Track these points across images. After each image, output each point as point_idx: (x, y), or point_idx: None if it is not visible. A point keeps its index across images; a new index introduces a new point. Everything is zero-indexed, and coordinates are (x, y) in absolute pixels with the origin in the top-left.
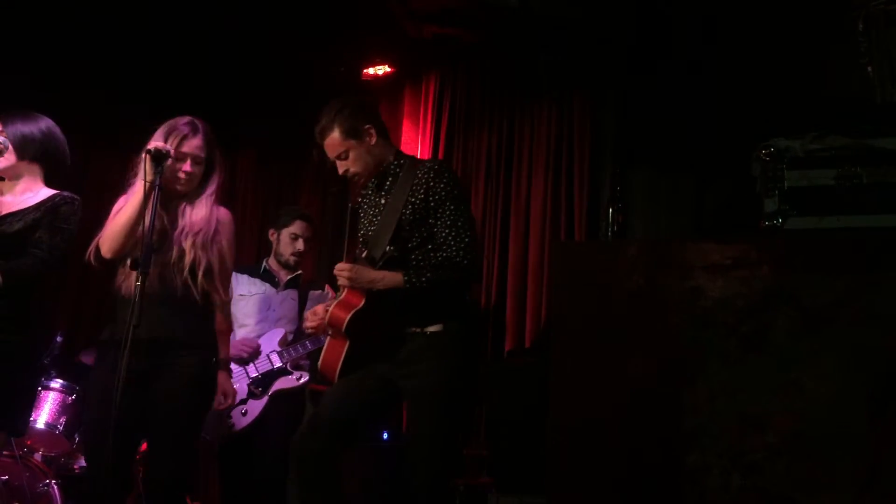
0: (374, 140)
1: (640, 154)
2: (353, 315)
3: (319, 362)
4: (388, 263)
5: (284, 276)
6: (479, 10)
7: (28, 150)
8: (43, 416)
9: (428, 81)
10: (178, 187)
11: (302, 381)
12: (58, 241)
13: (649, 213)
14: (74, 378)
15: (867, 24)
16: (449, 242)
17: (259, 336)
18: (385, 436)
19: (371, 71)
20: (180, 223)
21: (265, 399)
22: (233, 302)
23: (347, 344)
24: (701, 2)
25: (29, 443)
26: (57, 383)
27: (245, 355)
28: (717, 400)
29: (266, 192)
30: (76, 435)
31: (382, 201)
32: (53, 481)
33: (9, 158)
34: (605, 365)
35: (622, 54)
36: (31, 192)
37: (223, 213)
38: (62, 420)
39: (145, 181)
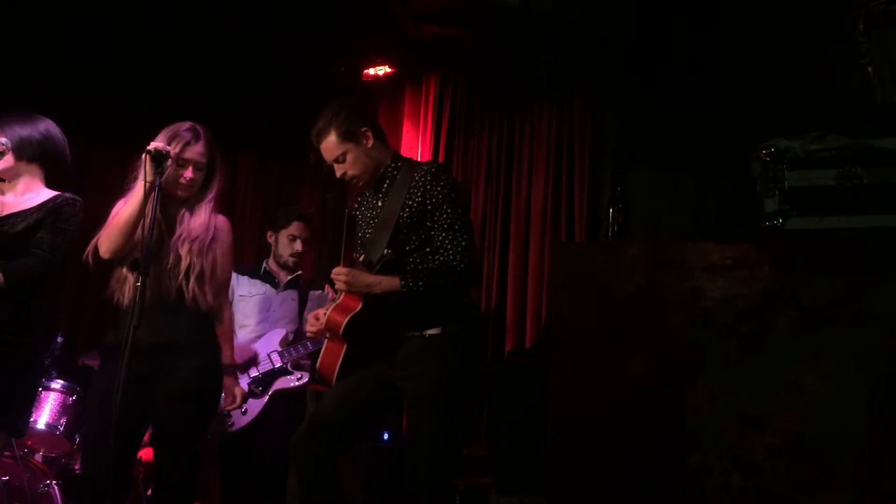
0: (370, 142)
1: (640, 154)
2: (350, 318)
3: (318, 364)
4: (385, 267)
5: (284, 277)
6: (480, 10)
7: (27, 152)
8: (43, 417)
9: (428, 82)
10: (179, 193)
11: (302, 381)
12: (59, 242)
13: (650, 214)
14: (75, 379)
15: (867, 24)
16: (446, 246)
17: (259, 336)
18: (385, 436)
19: (371, 71)
20: (178, 229)
21: (265, 398)
22: (233, 303)
23: (345, 347)
24: (701, 2)
25: (30, 443)
26: (57, 384)
27: (240, 362)
28: (718, 400)
29: (266, 193)
30: (77, 436)
31: (380, 203)
32: (54, 482)
33: (8, 160)
34: (605, 365)
35: (622, 54)
36: (33, 193)
37: (221, 221)
38: (63, 421)
39: (145, 181)
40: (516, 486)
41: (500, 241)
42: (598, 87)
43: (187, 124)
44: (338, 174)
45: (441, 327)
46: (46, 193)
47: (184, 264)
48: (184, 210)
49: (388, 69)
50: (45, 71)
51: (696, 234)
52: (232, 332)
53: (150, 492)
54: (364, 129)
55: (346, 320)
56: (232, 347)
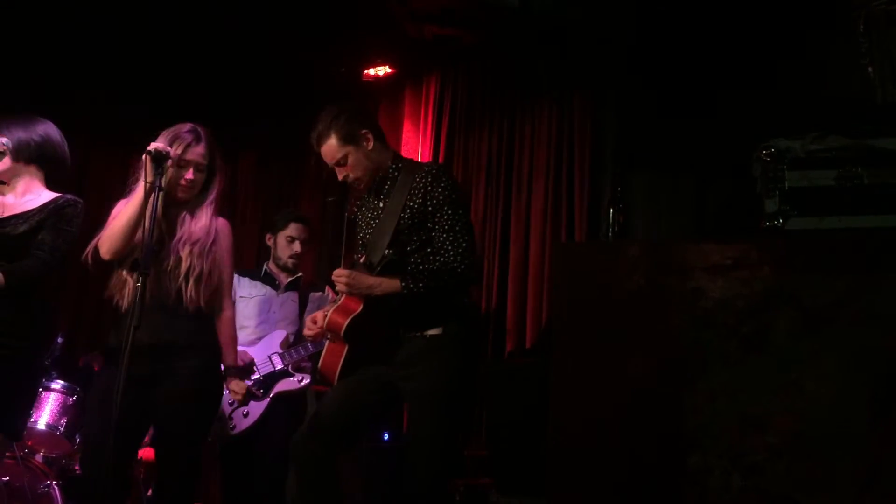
0: (371, 144)
1: (640, 155)
2: (351, 320)
3: (319, 365)
4: (386, 268)
5: (285, 279)
6: (480, 10)
7: (25, 154)
8: (44, 418)
9: (428, 82)
10: (180, 194)
11: (303, 383)
12: (60, 243)
13: (650, 214)
14: (75, 379)
15: (868, 24)
16: (447, 247)
17: (260, 338)
18: (385, 436)
19: (371, 72)
20: (179, 231)
21: (267, 401)
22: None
23: (347, 348)
24: (701, 2)
25: (30, 444)
26: (58, 384)
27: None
28: (718, 400)
29: (266, 194)
30: (77, 436)
31: (381, 205)
32: (54, 482)
33: (6, 161)
34: (605, 366)
35: (622, 54)
36: (33, 195)
37: (221, 224)
38: (63, 421)
39: (146, 182)
40: (516, 487)
41: (500, 241)
42: (599, 88)
43: (188, 126)
44: (339, 177)
45: (442, 327)
46: (47, 195)
47: (184, 266)
48: (185, 212)
49: (388, 69)
50: (46, 71)
51: (697, 234)
52: (235, 334)
53: (150, 492)
54: (364, 131)
55: (347, 322)
56: (236, 349)
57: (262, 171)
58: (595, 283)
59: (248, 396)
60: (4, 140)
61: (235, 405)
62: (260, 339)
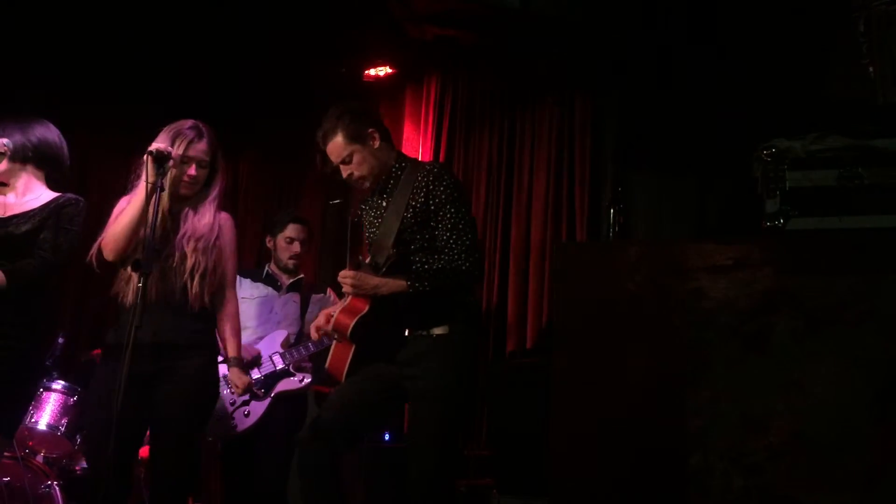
0: (377, 143)
1: (641, 155)
2: (357, 320)
3: (326, 365)
4: (391, 268)
5: (286, 280)
6: (480, 11)
7: (24, 154)
8: (45, 418)
9: (429, 82)
10: (183, 191)
11: (304, 383)
12: (62, 242)
13: (650, 214)
14: (76, 379)
15: (868, 24)
16: (451, 245)
17: (261, 338)
18: (386, 436)
19: (372, 72)
20: (183, 228)
21: (268, 400)
22: None
23: (353, 349)
24: (702, 2)
25: (31, 444)
26: (59, 384)
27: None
28: (720, 401)
29: (267, 195)
30: (78, 436)
31: (384, 204)
32: (55, 483)
33: (5, 163)
34: (606, 366)
35: (623, 55)
36: (35, 194)
37: (224, 218)
38: (64, 421)
39: (147, 183)
40: (518, 488)
41: (500, 241)
42: (599, 88)
43: (190, 122)
44: (344, 175)
45: (448, 326)
46: (48, 194)
47: (189, 263)
48: (188, 208)
49: (388, 70)
50: (46, 71)
51: (698, 234)
52: (239, 326)
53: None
54: (371, 130)
55: (353, 322)
56: (239, 341)
57: (263, 172)
58: (596, 284)
59: (248, 389)
60: (5, 141)
61: (237, 403)
62: (261, 339)
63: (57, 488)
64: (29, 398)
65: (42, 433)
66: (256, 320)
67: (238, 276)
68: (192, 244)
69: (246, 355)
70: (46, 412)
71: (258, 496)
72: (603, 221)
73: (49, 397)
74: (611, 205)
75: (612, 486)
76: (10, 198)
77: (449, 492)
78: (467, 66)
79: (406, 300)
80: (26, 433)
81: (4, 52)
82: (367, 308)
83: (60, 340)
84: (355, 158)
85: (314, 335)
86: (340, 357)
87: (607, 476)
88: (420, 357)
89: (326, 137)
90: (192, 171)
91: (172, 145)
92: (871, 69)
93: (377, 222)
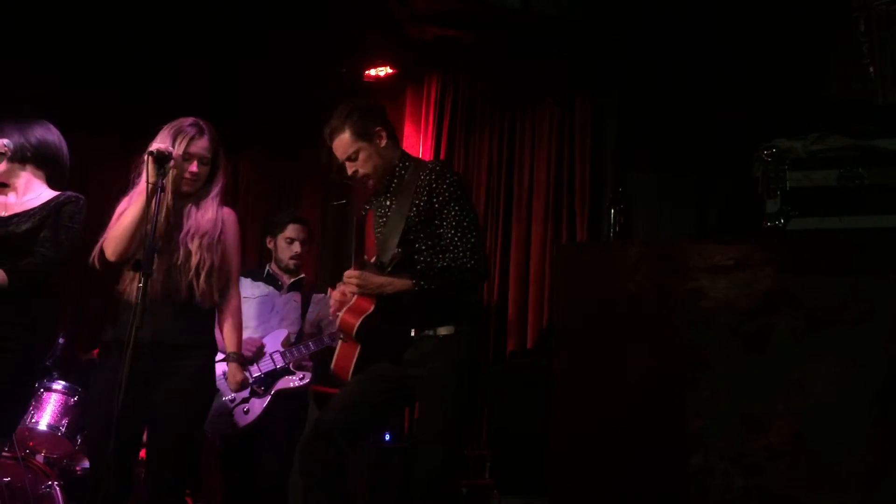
0: (384, 142)
1: (641, 155)
2: (363, 320)
3: (332, 365)
4: (396, 267)
5: (287, 280)
6: (481, 11)
7: (23, 155)
8: (45, 418)
9: (429, 83)
10: (185, 188)
11: (304, 381)
12: (63, 240)
13: (651, 214)
14: (76, 379)
15: (869, 24)
16: (455, 243)
17: (262, 337)
18: (387, 437)
19: (372, 72)
20: (186, 225)
21: (267, 398)
22: None
23: (359, 348)
24: (702, 2)
25: (31, 444)
26: (59, 385)
27: (249, 355)
28: (720, 401)
29: (267, 194)
30: (78, 436)
31: (388, 203)
32: (55, 483)
33: (5, 164)
34: (607, 366)
35: (623, 55)
36: (35, 194)
37: (227, 213)
38: (64, 422)
39: (148, 183)
40: (518, 488)
41: (501, 241)
42: (599, 88)
43: (190, 119)
44: (349, 172)
45: (454, 326)
46: (49, 193)
47: (194, 260)
48: (190, 205)
49: (389, 70)
50: (46, 71)
51: (698, 234)
52: (241, 321)
53: None
54: (379, 128)
55: (359, 321)
56: (240, 336)
57: (263, 172)
58: (596, 284)
59: (242, 387)
60: (5, 142)
61: (237, 400)
62: (262, 337)
63: (57, 488)
64: (28, 398)
65: (43, 433)
66: (257, 319)
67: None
68: (196, 241)
69: (250, 348)
70: (47, 412)
71: (258, 494)
72: (603, 221)
73: (49, 397)
74: (611, 205)
75: (612, 486)
76: (11, 197)
77: (452, 491)
78: (468, 66)
79: (411, 299)
80: (27, 433)
81: (4, 52)
82: (372, 308)
83: (61, 340)
84: (361, 156)
85: (335, 296)
86: (346, 357)
87: (607, 476)
88: (426, 357)
89: (334, 133)
90: (194, 167)
91: (174, 143)
92: (871, 69)
93: (382, 222)
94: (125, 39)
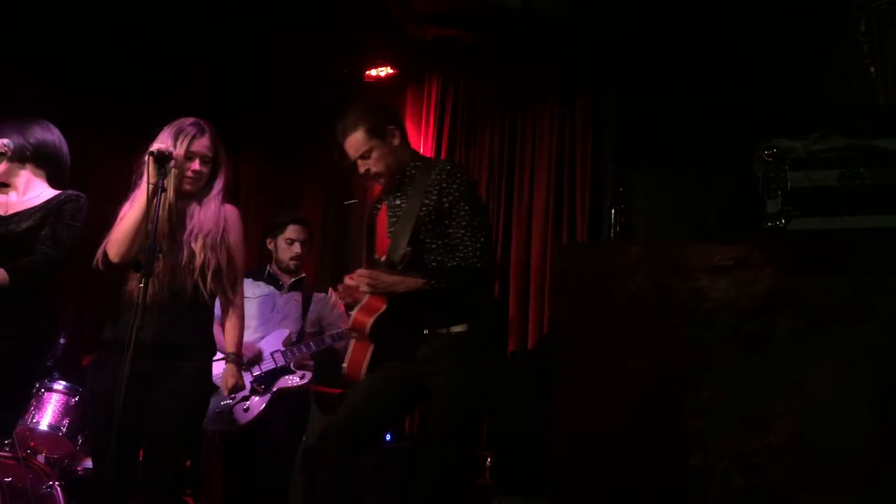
0: (397, 141)
1: (642, 155)
2: (375, 319)
3: (345, 365)
4: (407, 266)
5: (288, 280)
6: (481, 11)
7: (24, 155)
8: (46, 418)
9: (430, 83)
10: (187, 186)
11: (305, 380)
12: (64, 238)
13: (651, 215)
14: (77, 379)
15: (870, 23)
16: (465, 243)
17: (263, 337)
18: (388, 437)
19: (373, 73)
20: (189, 224)
21: (267, 396)
22: None
23: (372, 347)
24: (703, 3)
25: (32, 445)
26: (60, 385)
27: (244, 360)
28: (720, 401)
29: (268, 195)
30: (79, 437)
31: (399, 202)
32: (56, 483)
33: (6, 163)
34: (607, 367)
35: (624, 56)
36: (36, 193)
37: (230, 211)
38: (65, 422)
39: (148, 183)
40: (518, 488)
41: (502, 242)
42: (600, 88)
43: (190, 119)
44: (360, 170)
45: (466, 325)
46: (49, 192)
47: (198, 261)
48: (193, 204)
49: (389, 70)
50: (46, 71)
51: (699, 234)
52: (243, 319)
53: None
54: (392, 127)
55: (371, 320)
56: (241, 336)
57: (264, 172)
58: (596, 284)
59: (235, 390)
60: (6, 141)
61: (237, 398)
62: (262, 337)
63: (58, 489)
64: (27, 398)
65: (43, 433)
66: (258, 319)
67: None
68: (199, 241)
69: (247, 353)
70: (48, 412)
71: (259, 494)
72: (604, 221)
73: (50, 398)
74: (612, 205)
75: (612, 486)
76: (13, 196)
77: (462, 490)
78: (468, 66)
79: (423, 298)
80: (28, 433)
81: (4, 52)
82: (384, 306)
83: (62, 341)
84: (374, 154)
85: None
86: (359, 356)
87: (607, 476)
88: (439, 355)
89: (347, 131)
90: (197, 165)
91: (175, 143)
92: (872, 69)
93: (393, 220)
94: (125, 39)
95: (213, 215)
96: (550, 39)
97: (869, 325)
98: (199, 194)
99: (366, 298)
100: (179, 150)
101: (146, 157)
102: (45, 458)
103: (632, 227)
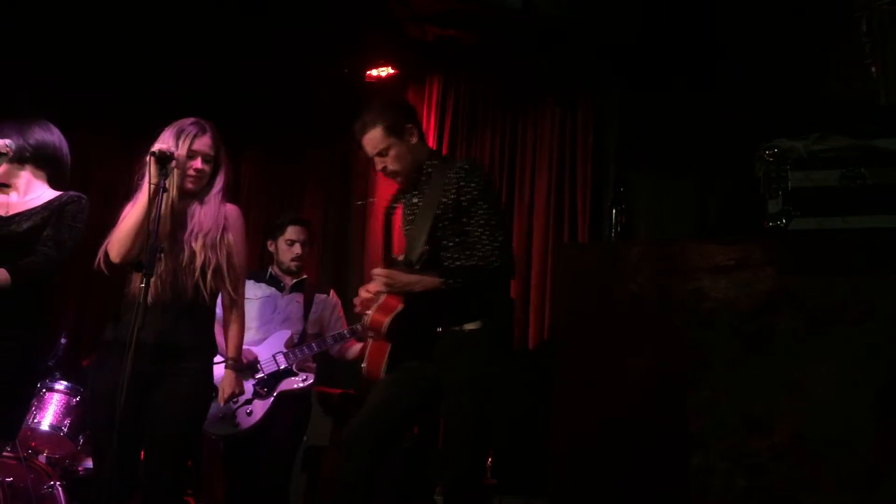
0: (414, 139)
1: (643, 155)
2: (392, 318)
3: (364, 365)
4: (424, 265)
5: (289, 281)
6: (481, 11)
7: (20, 155)
8: (47, 418)
9: (431, 83)
10: (190, 185)
11: (307, 382)
12: (66, 239)
13: (652, 215)
14: (79, 379)
15: (871, 23)
16: (483, 242)
17: (264, 338)
18: None
19: (374, 73)
20: (189, 224)
21: (270, 399)
22: None
23: (389, 347)
24: (703, 3)
25: (33, 445)
26: (61, 385)
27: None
28: (721, 401)
29: (268, 196)
30: (80, 437)
31: (415, 200)
32: (57, 483)
33: (6, 164)
34: (608, 367)
35: (625, 56)
36: (37, 193)
37: (230, 209)
38: (66, 422)
39: (150, 184)
40: (519, 488)
41: None
42: (601, 89)
43: (191, 119)
44: (377, 167)
45: (479, 322)
46: (50, 193)
47: (199, 261)
48: (195, 203)
49: (390, 70)
50: (46, 71)
51: (699, 234)
52: (244, 321)
53: None
54: (410, 125)
55: (388, 320)
56: (241, 339)
57: (264, 174)
58: (597, 284)
59: (231, 398)
60: (7, 142)
61: (239, 402)
62: (264, 339)
63: (59, 489)
64: (29, 398)
65: (45, 433)
66: (259, 320)
67: None
68: (199, 241)
69: (244, 358)
70: (49, 413)
71: (260, 495)
72: (604, 222)
73: (52, 398)
74: (612, 205)
75: (612, 486)
76: (13, 197)
77: (480, 489)
78: (469, 66)
79: (440, 297)
80: (29, 433)
81: (4, 52)
82: (401, 306)
83: (63, 341)
84: (392, 152)
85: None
86: (377, 356)
87: (607, 476)
88: (453, 351)
89: (365, 128)
90: (198, 164)
91: (177, 142)
92: (873, 69)
93: (410, 219)
94: (125, 39)
95: (212, 214)
96: (551, 39)
97: (869, 325)
98: (201, 194)
99: (382, 297)
100: (181, 150)
101: (147, 158)
102: (47, 458)
103: (632, 227)
